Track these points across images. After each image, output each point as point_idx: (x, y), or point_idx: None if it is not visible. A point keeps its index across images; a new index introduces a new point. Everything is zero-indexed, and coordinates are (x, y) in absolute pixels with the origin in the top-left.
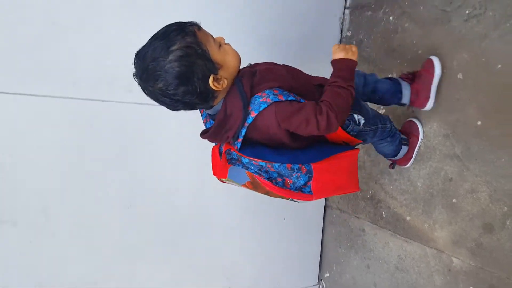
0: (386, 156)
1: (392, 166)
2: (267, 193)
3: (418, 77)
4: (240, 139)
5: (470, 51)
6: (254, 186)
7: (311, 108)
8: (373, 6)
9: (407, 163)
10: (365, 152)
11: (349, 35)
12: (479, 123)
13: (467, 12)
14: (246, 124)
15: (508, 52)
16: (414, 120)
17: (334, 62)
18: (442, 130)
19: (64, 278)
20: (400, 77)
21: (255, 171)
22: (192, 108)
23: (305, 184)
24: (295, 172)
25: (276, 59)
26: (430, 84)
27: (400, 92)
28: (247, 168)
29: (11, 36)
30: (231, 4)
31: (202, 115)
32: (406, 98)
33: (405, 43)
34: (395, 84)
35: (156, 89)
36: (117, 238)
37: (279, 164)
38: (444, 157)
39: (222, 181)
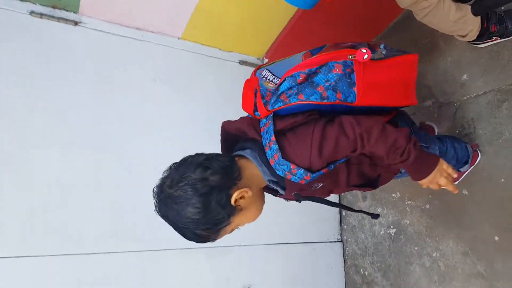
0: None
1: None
2: None
3: None
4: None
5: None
6: None
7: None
8: None
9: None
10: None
11: None
12: (496, 238)
13: (457, 131)
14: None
15: (508, 166)
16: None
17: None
18: (460, 248)
19: None
20: None
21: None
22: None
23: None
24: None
25: None
26: None
27: None
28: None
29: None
30: None
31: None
32: None
33: None
34: None
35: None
36: None
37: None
38: (468, 276)
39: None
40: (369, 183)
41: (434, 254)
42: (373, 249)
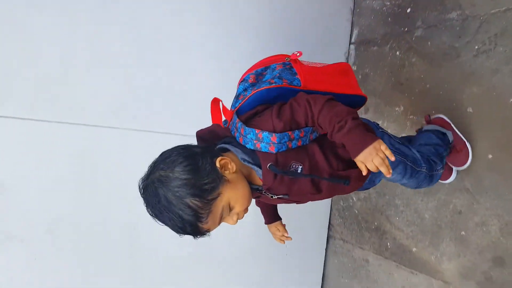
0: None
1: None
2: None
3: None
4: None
5: (480, 85)
6: None
7: None
8: (379, 41)
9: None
10: None
11: (355, 69)
12: (490, 156)
13: (476, 47)
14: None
15: None
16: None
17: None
18: None
19: None
20: None
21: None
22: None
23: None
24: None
25: None
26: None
27: None
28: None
29: (26, 70)
30: None
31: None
32: None
33: (412, 77)
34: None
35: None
36: (124, 259)
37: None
38: (453, 190)
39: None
40: (354, 165)
41: None
42: None
